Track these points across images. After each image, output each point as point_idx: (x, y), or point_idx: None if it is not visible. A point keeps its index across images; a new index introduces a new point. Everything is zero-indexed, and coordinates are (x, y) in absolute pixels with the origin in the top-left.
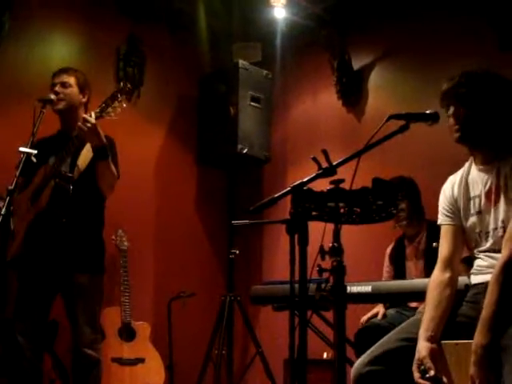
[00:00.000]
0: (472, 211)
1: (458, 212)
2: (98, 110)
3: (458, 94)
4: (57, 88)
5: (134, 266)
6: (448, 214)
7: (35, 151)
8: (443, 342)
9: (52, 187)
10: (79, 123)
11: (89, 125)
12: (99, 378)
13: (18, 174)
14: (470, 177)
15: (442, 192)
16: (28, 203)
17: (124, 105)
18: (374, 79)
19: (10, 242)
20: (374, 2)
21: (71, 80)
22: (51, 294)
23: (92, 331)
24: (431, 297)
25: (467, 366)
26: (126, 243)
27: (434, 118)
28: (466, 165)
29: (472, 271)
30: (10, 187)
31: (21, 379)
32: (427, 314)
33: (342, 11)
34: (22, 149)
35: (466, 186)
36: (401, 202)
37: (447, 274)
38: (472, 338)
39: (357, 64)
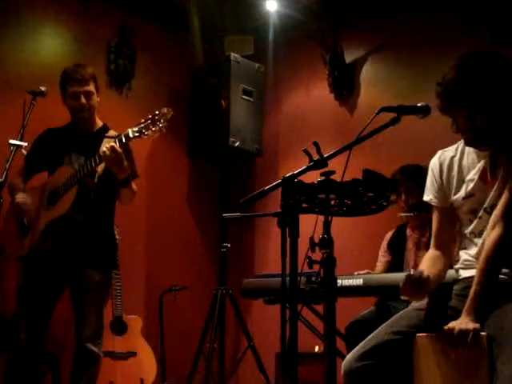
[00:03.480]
0: (463, 194)
1: (446, 192)
2: (136, 129)
3: (458, 98)
4: (82, 100)
5: (126, 259)
6: (436, 193)
7: (25, 144)
8: (417, 335)
9: (75, 193)
10: (104, 149)
11: (113, 155)
12: (97, 373)
13: (8, 166)
14: (466, 159)
15: (430, 169)
16: (44, 201)
17: (164, 130)
18: (367, 72)
19: (22, 237)
20: None
21: (92, 87)
22: (60, 288)
23: (96, 326)
24: (425, 264)
25: (438, 359)
26: (117, 237)
27: (425, 111)
28: (461, 145)
29: (460, 265)
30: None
31: (20, 375)
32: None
33: (335, 4)
34: (12, 141)
35: (459, 168)
36: (413, 191)
37: (441, 251)
38: None
39: (349, 57)
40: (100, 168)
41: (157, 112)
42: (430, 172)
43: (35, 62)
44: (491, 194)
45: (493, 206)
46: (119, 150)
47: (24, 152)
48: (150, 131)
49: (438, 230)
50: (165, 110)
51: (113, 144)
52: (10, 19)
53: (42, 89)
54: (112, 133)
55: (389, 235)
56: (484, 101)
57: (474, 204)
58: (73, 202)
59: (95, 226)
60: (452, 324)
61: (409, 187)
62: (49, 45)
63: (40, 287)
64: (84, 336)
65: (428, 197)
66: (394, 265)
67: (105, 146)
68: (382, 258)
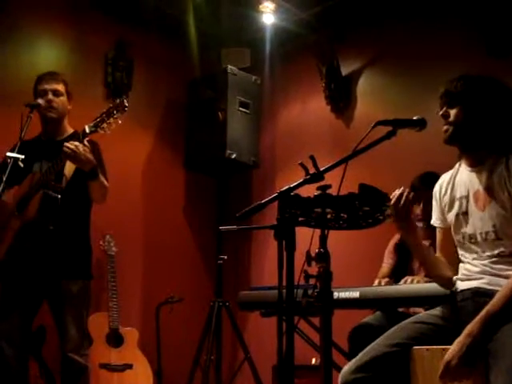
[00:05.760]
0: (457, 211)
1: (444, 211)
2: (91, 125)
3: (455, 94)
4: (50, 96)
5: (122, 271)
6: (438, 215)
7: (23, 156)
8: (414, 347)
9: (40, 197)
10: (64, 147)
11: (71, 148)
12: None
13: (5, 178)
14: (458, 177)
15: (433, 193)
16: (14, 210)
17: (119, 121)
18: (363, 85)
19: None
20: (363, 8)
21: (61, 87)
22: (37, 301)
23: (79, 337)
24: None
25: (436, 373)
26: (114, 248)
27: (421, 124)
28: (457, 165)
29: (459, 276)
30: None
31: None
32: None
33: (331, 17)
34: (9, 154)
35: (452, 186)
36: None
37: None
38: (451, 343)
39: (345, 70)
40: (68, 172)
41: (111, 105)
42: (433, 196)
43: (33, 74)
44: (485, 217)
45: (487, 233)
46: (75, 142)
47: (21, 164)
48: (105, 124)
49: (441, 246)
50: (118, 101)
51: (67, 144)
52: (7, 32)
53: (39, 101)
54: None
55: (397, 237)
56: (476, 104)
57: (468, 225)
58: (39, 208)
59: (67, 233)
60: (447, 357)
61: (428, 197)
62: (46, 57)
63: (17, 302)
64: (67, 348)
65: (433, 219)
66: (399, 269)
67: (64, 144)
68: (389, 260)
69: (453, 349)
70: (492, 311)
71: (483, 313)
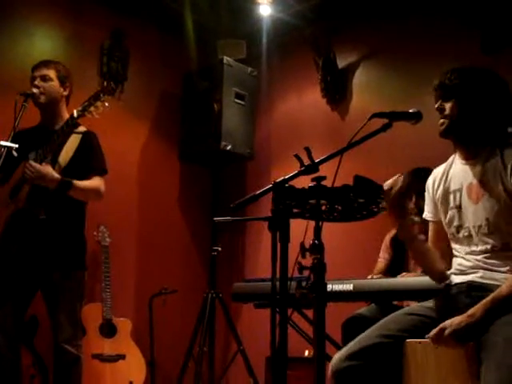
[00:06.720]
0: (451, 205)
1: (437, 204)
2: (80, 109)
3: (449, 86)
4: (37, 82)
5: (116, 262)
6: (430, 208)
7: (16, 145)
8: (407, 340)
9: (30, 185)
10: (25, 167)
11: (29, 171)
12: (80, 375)
13: None
14: (452, 170)
15: (426, 188)
16: (7, 198)
17: (106, 104)
18: (359, 78)
19: None
20: (360, 1)
21: (51, 73)
22: (31, 291)
23: (72, 328)
24: None
25: (428, 365)
26: (107, 239)
27: (416, 117)
28: (451, 158)
29: (453, 271)
30: None
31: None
32: None
33: (328, 10)
34: (2, 143)
35: (446, 179)
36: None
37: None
38: None
39: (342, 63)
40: (63, 160)
41: (99, 89)
42: (426, 190)
43: (28, 63)
44: (478, 210)
45: (480, 227)
46: (35, 166)
47: (15, 154)
48: (92, 107)
49: (433, 239)
50: (105, 84)
51: (28, 163)
52: (2, 22)
53: (34, 90)
54: (81, 129)
55: (393, 232)
56: (470, 96)
57: (462, 218)
58: (28, 196)
59: (62, 224)
60: (444, 324)
61: (421, 190)
62: (41, 47)
63: (10, 292)
64: (60, 338)
65: (425, 213)
66: (395, 264)
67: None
68: (385, 255)
69: (452, 320)
70: (498, 297)
71: (488, 298)
